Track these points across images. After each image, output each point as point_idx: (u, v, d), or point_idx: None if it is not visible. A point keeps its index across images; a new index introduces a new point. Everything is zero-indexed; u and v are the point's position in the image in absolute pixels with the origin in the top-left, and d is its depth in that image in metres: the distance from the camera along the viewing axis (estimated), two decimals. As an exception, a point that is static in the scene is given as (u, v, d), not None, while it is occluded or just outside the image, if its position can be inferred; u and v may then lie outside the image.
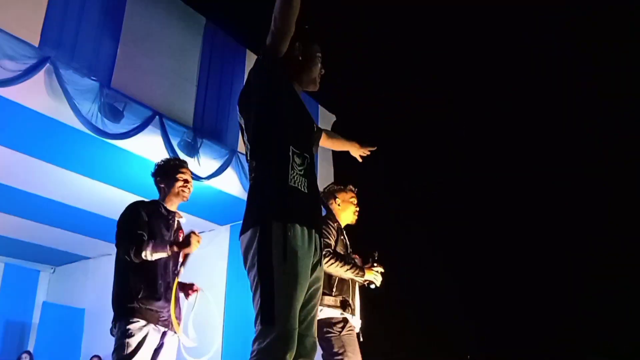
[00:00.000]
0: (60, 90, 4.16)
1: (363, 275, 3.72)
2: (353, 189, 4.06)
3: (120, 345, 3.13)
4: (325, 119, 6.82)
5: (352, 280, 3.77)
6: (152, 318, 3.20)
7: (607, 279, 9.69)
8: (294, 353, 2.09)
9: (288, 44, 2.41)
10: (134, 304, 3.18)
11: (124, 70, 4.60)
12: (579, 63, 9.77)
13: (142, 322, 3.16)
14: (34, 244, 7.89)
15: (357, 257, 3.99)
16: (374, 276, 3.77)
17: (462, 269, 10.11)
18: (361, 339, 3.79)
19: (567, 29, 9.57)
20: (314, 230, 2.30)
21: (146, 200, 3.49)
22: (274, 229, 2.17)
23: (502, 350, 9.40)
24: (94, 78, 4.36)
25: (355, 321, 3.74)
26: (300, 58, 2.58)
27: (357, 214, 4.01)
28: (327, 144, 3.36)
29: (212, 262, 6.67)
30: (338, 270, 3.63)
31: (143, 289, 3.22)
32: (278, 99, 2.42)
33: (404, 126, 10.25)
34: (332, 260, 3.58)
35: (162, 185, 3.50)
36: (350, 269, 3.66)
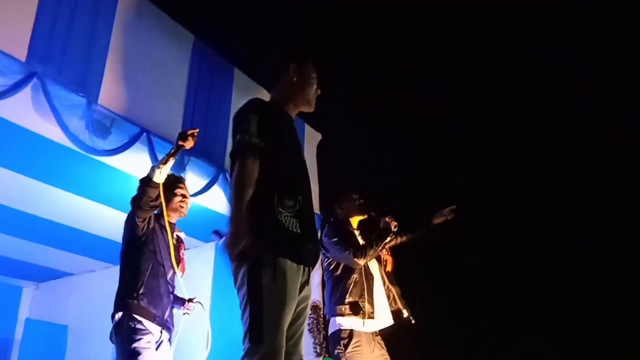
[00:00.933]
0: (47, 106, 4.14)
1: (390, 231, 3.80)
2: (356, 196, 4.14)
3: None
4: (312, 138, 6.85)
5: (369, 280, 3.77)
6: (152, 317, 3.19)
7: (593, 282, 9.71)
8: None
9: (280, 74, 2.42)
10: (134, 300, 3.16)
11: (112, 87, 4.60)
12: (579, 63, 9.84)
13: (146, 324, 3.15)
14: (17, 260, 7.81)
15: None
16: (393, 223, 3.83)
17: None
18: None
19: (565, 28, 9.66)
20: (302, 266, 2.34)
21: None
22: (265, 255, 2.20)
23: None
24: (81, 94, 4.34)
25: (376, 323, 3.72)
26: (295, 79, 2.61)
27: (362, 206, 4.07)
28: None
29: (196, 280, 6.64)
30: (374, 253, 3.73)
31: (144, 288, 3.21)
32: (263, 151, 2.40)
33: (390, 145, 10.29)
34: (360, 253, 3.63)
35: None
36: (379, 239, 3.74)
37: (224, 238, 2.28)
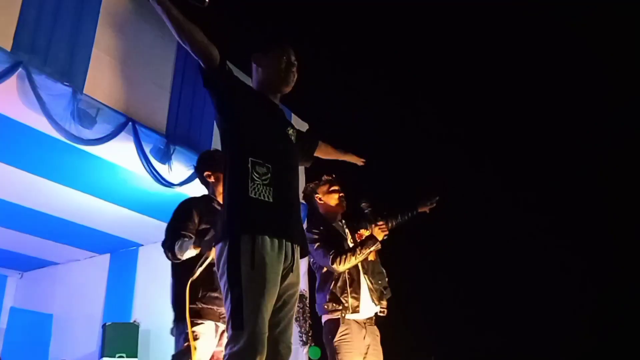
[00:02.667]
0: (32, 96, 4.14)
1: (376, 242, 3.70)
2: (327, 177, 4.03)
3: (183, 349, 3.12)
4: (298, 127, 6.85)
5: (353, 273, 3.74)
6: (214, 316, 3.20)
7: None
8: (263, 356, 2.16)
9: (211, 54, 2.43)
10: (195, 305, 3.15)
11: (98, 76, 4.59)
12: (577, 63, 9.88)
13: (205, 323, 3.15)
14: (2, 249, 7.80)
15: (361, 233, 3.98)
16: (384, 233, 3.75)
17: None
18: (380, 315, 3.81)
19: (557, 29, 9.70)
20: (284, 240, 2.34)
21: (197, 196, 3.45)
22: (242, 241, 2.23)
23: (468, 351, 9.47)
24: (66, 83, 4.34)
25: (362, 315, 3.71)
26: (259, 68, 2.66)
27: (342, 199, 3.97)
28: (329, 155, 3.44)
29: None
30: (355, 261, 3.64)
31: (202, 288, 3.18)
32: (234, 111, 2.47)
33: (376, 133, 10.32)
34: (339, 260, 3.59)
35: (212, 179, 3.46)
36: (364, 248, 3.65)
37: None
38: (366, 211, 3.90)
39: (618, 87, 9.54)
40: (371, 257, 3.87)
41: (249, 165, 2.33)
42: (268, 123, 2.56)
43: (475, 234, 10.06)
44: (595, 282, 9.73)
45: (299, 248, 2.44)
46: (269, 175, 2.36)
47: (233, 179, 2.38)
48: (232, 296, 2.21)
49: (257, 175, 2.33)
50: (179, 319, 3.22)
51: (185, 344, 3.11)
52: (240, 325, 2.16)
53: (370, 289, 3.76)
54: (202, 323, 3.16)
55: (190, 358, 3.05)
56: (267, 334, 2.20)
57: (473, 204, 9.96)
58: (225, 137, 2.52)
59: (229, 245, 2.26)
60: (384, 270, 3.96)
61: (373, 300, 3.74)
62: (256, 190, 2.31)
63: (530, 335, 9.84)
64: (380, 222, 3.78)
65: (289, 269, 2.38)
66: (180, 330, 3.21)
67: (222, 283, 2.26)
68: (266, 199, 2.32)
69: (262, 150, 2.42)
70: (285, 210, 2.42)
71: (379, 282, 3.86)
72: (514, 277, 9.82)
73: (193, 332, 3.09)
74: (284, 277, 2.36)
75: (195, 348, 3.06)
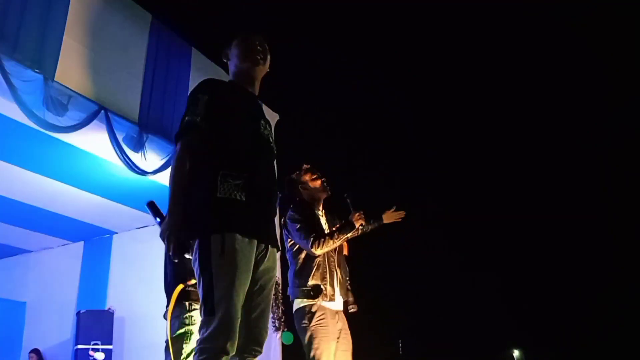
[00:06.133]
0: (3, 82, 4.13)
1: (353, 228, 3.80)
2: (306, 167, 4.08)
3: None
4: (269, 117, 6.86)
5: (330, 263, 3.83)
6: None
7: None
8: (235, 342, 2.23)
9: None
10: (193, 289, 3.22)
11: (69, 64, 4.57)
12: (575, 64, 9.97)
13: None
14: (-26, 237, 7.74)
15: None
16: (361, 220, 3.83)
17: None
18: (349, 311, 3.93)
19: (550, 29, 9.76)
20: (256, 241, 2.38)
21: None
22: (212, 238, 2.27)
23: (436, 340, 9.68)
24: (37, 70, 4.32)
25: (336, 304, 3.79)
26: (231, 59, 2.69)
27: (324, 183, 4.03)
28: None
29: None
30: (333, 245, 3.73)
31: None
32: (212, 125, 2.44)
33: (347, 124, 10.37)
34: (318, 243, 3.66)
35: None
36: (341, 234, 3.75)
37: (161, 225, 2.34)
38: (348, 200, 3.97)
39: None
40: (345, 252, 3.97)
41: (219, 180, 2.34)
42: (245, 128, 2.54)
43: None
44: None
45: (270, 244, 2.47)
46: (242, 181, 2.36)
47: (202, 192, 2.37)
48: (203, 282, 2.25)
49: (229, 185, 2.34)
50: (175, 304, 3.24)
51: (181, 330, 3.16)
52: (211, 311, 2.21)
53: (339, 282, 3.85)
54: (197, 308, 3.19)
55: (186, 342, 3.10)
56: (238, 319, 2.24)
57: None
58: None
59: (201, 238, 2.30)
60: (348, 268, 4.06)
61: (340, 293, 3.84)
62: (229, 191, 2.33)
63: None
64: (359, 213, 3.86)
65: (263, 254, 2.42)
66: (175, 314, 3.23)
67: (195, 270, 2.31)
68: (238, 198, 2.34)
69: (236, 160, 2.41)
70: (259, 210, 2.44)
71: (346, 277, 3.96)
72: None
73: (191, 316, 3.13)
74: (258, 263, 2.39)
75: (192, 333, 3.11)
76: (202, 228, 2.30)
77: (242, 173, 2.38)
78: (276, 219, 2.79)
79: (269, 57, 2.73)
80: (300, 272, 3.79)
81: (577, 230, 10.05)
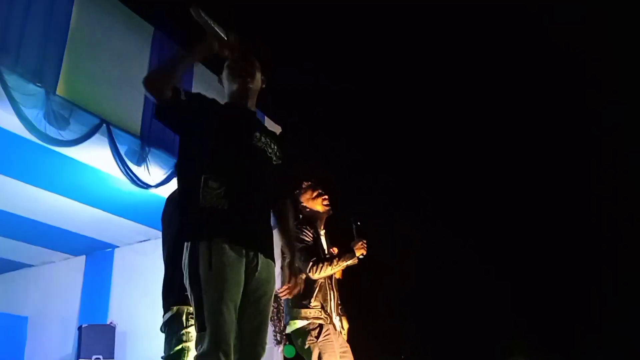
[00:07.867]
0: (4, 96, 4.11)
1: (353, 256, 3.80)
2: (306, 184, 4.06)
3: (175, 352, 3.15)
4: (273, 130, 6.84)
5: (330, 284, 3.83)
6: None
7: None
8: (230, 356, 2.18)
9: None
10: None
11: (71, 77, 4.56)
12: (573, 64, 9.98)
13: None
14: (-25, 252, 7.71)
15: (335, 249, 4.02)
16: (362, 250, 3.83)
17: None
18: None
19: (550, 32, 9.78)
20: (244, 249, 2.35)
21: None
22: (200, 246, 2.25)
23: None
24: (39, 84, 4.31)
25: (335, 325, 3.79)
26: (224, 79, 2.72)
27: (326, 202, 4.00)
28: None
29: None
30: (330, 272, 3.73)
31: None
32: (190, 131, 2.51)
33: (350, 138, 10.37)
34: (316, 268, 3.65)
35: None
36: (340, 261, 3.75)
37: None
38: (354, 225, 3.95)
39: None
40: (338, 275, 3.96)
41: (201, 182, 2.35)
42: (234, 138, 2.54)
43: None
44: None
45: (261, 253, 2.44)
46: (224, 188, 2.36)
47: (184, 193, 2.45)
48: (194, 298, 2.26)
49: (210, 190, 2.34)
50: (172, 320, 3.20)
51: (179, 347, 3.11)
52: (202, 326, 2.21)
53: (335, 303, 3.86)
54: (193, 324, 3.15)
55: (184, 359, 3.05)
56: (232, 333, 2.22)
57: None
58: (180, 150, 2.57)
59: (189, 249, 2.30)
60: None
61: (336, 314, 3.84)
62: (211, 200, 2.33)
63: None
64: (362, 242, 3.85)
65: (255, 264, 2.39)
66: (173, 330, 3.18)
67: (186, 286, 2.30)
68: (221, 207, 2.33)
69: (218, 167, 2.42)
70: (244, 218, 2.41)
71: (338, 301, 3.96)
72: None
73: (188, 332, 3.09)
74: (249, 273, 2.36)
75: (189, 349, 3.07)
76: (190, 235, 2.32)
77: (221, 177, 2.37)
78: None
79: (257, 71, 2.73)
80: (304, 291, 3.76)
81: (588, 235, 9.99)
